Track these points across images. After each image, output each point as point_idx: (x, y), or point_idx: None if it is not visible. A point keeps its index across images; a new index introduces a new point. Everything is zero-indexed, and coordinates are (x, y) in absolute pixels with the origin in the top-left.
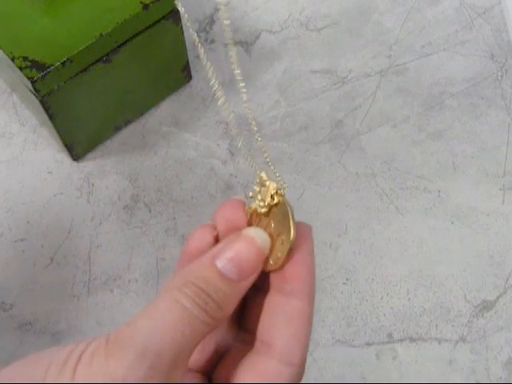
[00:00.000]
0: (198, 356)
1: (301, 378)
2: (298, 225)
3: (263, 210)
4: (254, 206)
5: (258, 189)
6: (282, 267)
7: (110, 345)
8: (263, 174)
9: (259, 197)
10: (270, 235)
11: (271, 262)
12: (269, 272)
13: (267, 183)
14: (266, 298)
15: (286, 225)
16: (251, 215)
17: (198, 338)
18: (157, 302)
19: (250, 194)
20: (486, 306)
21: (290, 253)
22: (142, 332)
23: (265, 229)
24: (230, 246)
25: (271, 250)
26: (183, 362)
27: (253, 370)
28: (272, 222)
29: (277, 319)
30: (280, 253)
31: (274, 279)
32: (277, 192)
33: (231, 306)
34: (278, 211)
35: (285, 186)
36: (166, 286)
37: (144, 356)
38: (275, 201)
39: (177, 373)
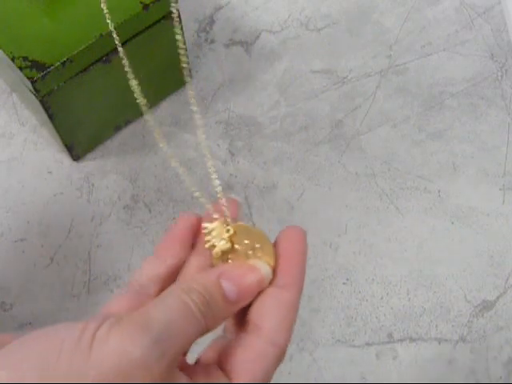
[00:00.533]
0: None
1: (282, 361)
2: (289, 228)
3: (227, 246)
4: (217, 249)
5: (209, 235)
6: (272, 268)
7: (126, 326)
8: (206, 225)
9: (216, 239)
10: (248, 249)
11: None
12: None
13: (212, 227)
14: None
15: (256, 237)
16: (222, 254)
17: (194, 339)
18: (166, 299)
19: (206, 245)
20: (486, 306)
21: (276, 254)
22: (157, 322)
23: (240, 247)
24: (237, 270)
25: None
26: (178, 359)
27: (242, 347)
28: (240, 240)
29: (268, 305)
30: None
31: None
32: (227, 226)
33: (223, 319)
34: (239, 231)
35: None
36: (172, 287)
37: (158, 344)
38: (231, 232)
39: (175, 365)
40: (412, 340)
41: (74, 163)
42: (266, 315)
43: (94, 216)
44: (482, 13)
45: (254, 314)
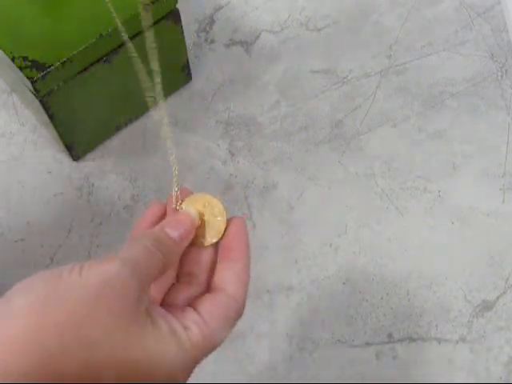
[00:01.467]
0: (159, 295)
1: (241, 315)
2: (234, 218)
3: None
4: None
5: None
6: (220, 240)
7: (100, 260)
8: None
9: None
10: (204, 219)
11: (208, 238)
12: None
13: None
14: (218, 263)
15: (218, 215)
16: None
17: (155, 271)
18: (132, 245)
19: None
20: (486, 306)
21: (225, 230)
22: (122, 255)
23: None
24: (174, 218)
25: (206, 230)
26: (148, 287)
27: (210, 300)
28: (205, 214)
29: (228, 274)
30: (214, 231)
31: (222, 251)
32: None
33: (175, 256)
34: (197, 199)
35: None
36: (130, 240)
37: (127, 265)
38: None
39: (145, 294)
40: (412, 340)
41: (74, 163)
42: (228, 281)
43: (93, 216)
44: (482, 13)
45: (219, 280)
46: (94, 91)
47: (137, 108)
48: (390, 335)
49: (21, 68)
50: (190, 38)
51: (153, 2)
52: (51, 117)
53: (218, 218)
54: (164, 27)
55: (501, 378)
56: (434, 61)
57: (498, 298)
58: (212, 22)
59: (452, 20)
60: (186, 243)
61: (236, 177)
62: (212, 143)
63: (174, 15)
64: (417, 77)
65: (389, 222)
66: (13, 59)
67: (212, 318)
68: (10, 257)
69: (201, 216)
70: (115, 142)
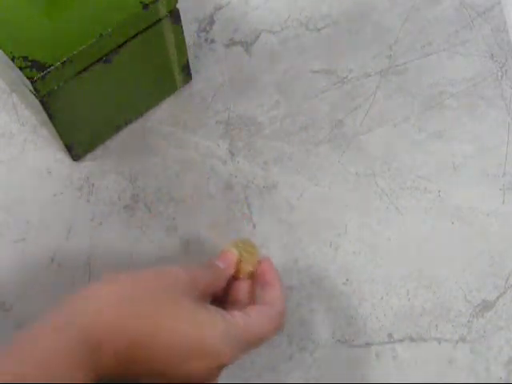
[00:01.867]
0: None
1: (283, 318)
2: (264, 259)
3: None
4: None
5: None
6: (255, 271)
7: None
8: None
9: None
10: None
11: (246, 269)
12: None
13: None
14: (258, 289)
15: (252, 251)
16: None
17: (206, 280)
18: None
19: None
20: (486, 306)
21: (257, 265)
22: (196, 275)
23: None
24: (222, 255)
25: (244, 263)
26: (198, 287)
27: (252, 305)
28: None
29: (272, 295)
30: (250, 264)
31: (259, 279)
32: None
33: (222, 279)
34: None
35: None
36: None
37: (192, 279)
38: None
39: (196, 289)
40: (412, 340)
41: (74, 163)
42: (267, 296)
43: (93, 216)
44: (482, 13)
45: (260, 300)
46: (94, 91)
47: (137, 108)
48: (390, 335)
49: (21, 68)
50: (190, 37)
51: (153, 2)
52: (51, 117)
53: (252, 252)
54: (164, 27)
55: (501, 378)
56: (434, 61)
57: (497, 298)
58: (212, 21)
59: (452, 20)
60: (229, 271)
61: (236, 177)
62: (212, 143)
63: (174, 15)
64: (417, 77)
65: (389, 221)
66: (13, 59)
67: (252, 310)
68: (10, 257)
69: (239, 252)
70: (115, 142)
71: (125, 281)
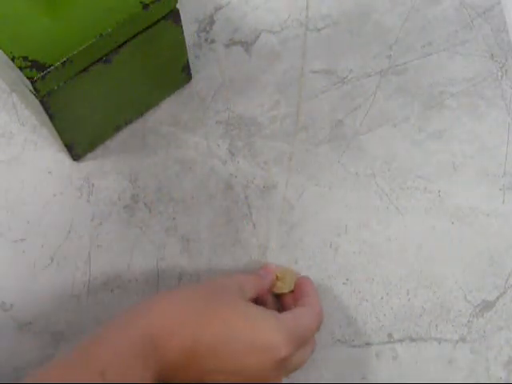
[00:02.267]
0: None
1: (321, 316)
2: (302, 277)
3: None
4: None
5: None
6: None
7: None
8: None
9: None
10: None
11: (287, 286)
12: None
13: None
14: (298, 300)
15: (292, 273)
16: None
17: (257, 289)
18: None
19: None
20: (486, 306)
21: (297, 283)
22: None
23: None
24: (263, 269)
25: (279, 282)
26: (244, 291)
27: (300, 308)
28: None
29: (310, 301)
30: (288, 283)
31: (298, 293)
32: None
33: (265, 286)
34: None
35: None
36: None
37: (241, 288)
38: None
39: (244, 294)
40: (412, 340)
41: (74, 163)
42: (310, 303)
43: (93, 216)
44: (482, 13)
45: (306, 303)
46: (94, 91)
47: (137, 108)
48: (390, 335)
49: (21, 68)
50: (190, 37)
51: (153, 2)
52: (51, 117)
53: (292, 272)
54: (164, 27)
55: (501, 378)
56: (434, 61)
57: (497, 298)
58: (212, 21)
59: (452, 20)
60: (268, 281)
61: (236, 177)
62: (212, 143)
63: (173, 15)
64: (417, 77)
65: (389, 221)
66: (13, 59)
67: (296, 309)
68: (10, 257)
69: (282, 273)
70: (115, 142)
71: (184, 287)
